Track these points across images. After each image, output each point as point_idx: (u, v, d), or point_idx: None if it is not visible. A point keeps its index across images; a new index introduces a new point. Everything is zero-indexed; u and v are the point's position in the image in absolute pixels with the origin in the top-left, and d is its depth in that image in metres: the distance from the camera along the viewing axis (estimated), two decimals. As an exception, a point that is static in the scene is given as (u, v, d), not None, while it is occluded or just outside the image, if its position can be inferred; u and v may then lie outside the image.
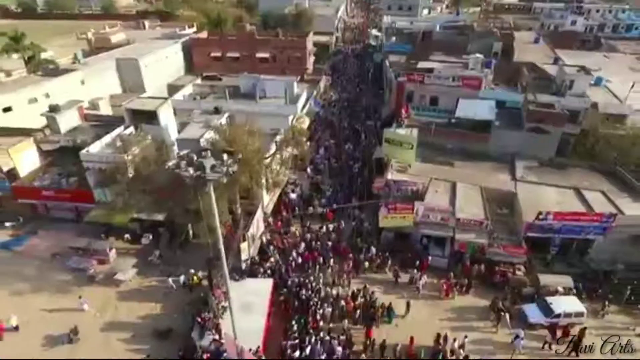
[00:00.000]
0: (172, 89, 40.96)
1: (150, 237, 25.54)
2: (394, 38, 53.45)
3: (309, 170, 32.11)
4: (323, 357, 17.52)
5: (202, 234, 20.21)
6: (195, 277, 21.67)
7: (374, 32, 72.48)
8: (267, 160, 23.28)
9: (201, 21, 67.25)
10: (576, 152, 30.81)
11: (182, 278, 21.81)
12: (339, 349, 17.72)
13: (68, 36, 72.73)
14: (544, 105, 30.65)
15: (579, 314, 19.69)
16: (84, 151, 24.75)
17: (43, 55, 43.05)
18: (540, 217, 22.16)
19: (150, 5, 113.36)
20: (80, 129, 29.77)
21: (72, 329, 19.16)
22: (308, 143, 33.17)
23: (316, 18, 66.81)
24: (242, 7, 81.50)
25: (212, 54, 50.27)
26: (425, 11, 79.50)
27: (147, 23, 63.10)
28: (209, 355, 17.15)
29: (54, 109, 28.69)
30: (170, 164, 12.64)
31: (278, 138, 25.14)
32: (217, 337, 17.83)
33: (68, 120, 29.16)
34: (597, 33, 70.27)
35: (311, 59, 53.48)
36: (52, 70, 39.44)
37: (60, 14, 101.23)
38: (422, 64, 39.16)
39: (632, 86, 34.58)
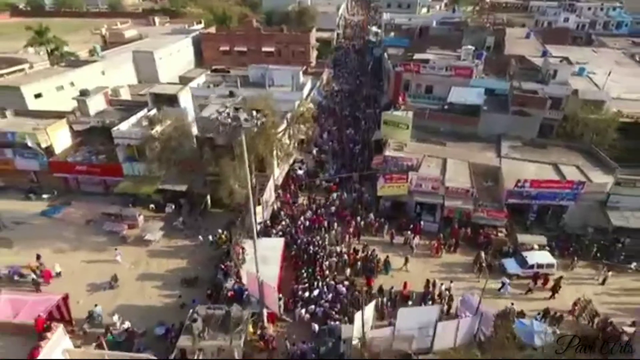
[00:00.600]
0: (184, 80, 44.12)
1: (173, 206, 28.74)
2: (392, 33, 56.75)
3: (314, 151, 35.39)
4: (329, 296, 20.74)
5: (225, 195, 23.48)
6: (222, 236, 24.75)
7: (374, 29, 75.74)
8: (280, 135, 26.51)
9: (207, 18, 70.72)
10: (558, 135, 34.04)
11: (210, 237, 24.97)
12: (343, 289, 20.96)
13: (80, 32, 76.02)
14: (527, 91, 33.97)
15: (550, 265, 22.92)
16: (115, 128, 27.95)
17: (64, 49, 46.25)
18: (519, 184, 25.42)
19: (155, 3, 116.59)
20: (106, 112, 33.00)
21: (112, 277, 22.41)
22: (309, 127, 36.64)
23: (318, 15, 70.14)
24: (246, 5, 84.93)
25: (221, 48, 53.54)
26: (424, 9, 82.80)
27: (157, 20, 66.34)
28: (232, 293, 20.33)
29: (84, 93, 31.96)
30: (213, 115, 15.74)
31: (288, 116, 28.32)
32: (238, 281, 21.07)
33: (96, 104, 32.40)
34: (589, 30, 73.62)
35: (314, 54, 56.75)
36: (74, 62, 42.71)
37: (68, 12, 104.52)
38: (418, 56, 42.43)
39: (609, 74, 37.76)
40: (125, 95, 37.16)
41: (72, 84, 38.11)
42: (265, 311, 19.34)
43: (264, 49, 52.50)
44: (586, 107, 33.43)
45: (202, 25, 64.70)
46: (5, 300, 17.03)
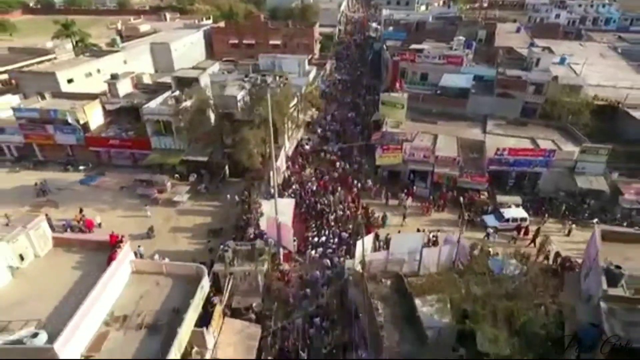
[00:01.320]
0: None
1: (195, 176, 32.83)
2: (391, 28, 60.92)
3: (318, 131, 39.54)
4: (335, 241, 24.85)
5: (245, 159, 27.61)
6: (245, 194, 28.77)
7: (374, 25, 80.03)
8: (291, 109, 30.64)
9: (214, 14, 75.00)
10: (541, 117, 38.12)
11: (235, 197, 29.07)
12: (346, 235, 25.07)
13: (92, 28, 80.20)
14: (511, 77, 38.12)
15: (523, 219, 26.99)
16: (145, 106, 32.09)
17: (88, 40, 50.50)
18: (498, 152, 29.53)
19: (161, 1, 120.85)
20: (133, 94, 37.14)
21: (149, 227, 26.53)
22: (316, 113, 40.91)
23: (320, 12, 74.30)
24: (250, 2, 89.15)
25: (230, 42, 57.71)
26: (423, 7, 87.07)
27: (168, 15, 70.57)
28: (254, 237, 24.40)
29: (114, 77, 36.14)
30: (247, 78, 19.83)
31: (298, 94, 32.44)
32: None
33: (124, 87, 36.55)
34: (579, 26, 77.84)
35: (317, 47, 60.89)
36: (97, 52, 46.88)
37: (77, 10, 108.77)
38: (414, 46, 46.61)
39: (585, 62, 41.93)
40: (147, 80, 41.30)
41: (98, 71, 42.25)
42: (281, 251, 23.44)
43: (271, 41, 56.61)
44: (565, 91, 37.61)
45: (211, 20, 68.89)
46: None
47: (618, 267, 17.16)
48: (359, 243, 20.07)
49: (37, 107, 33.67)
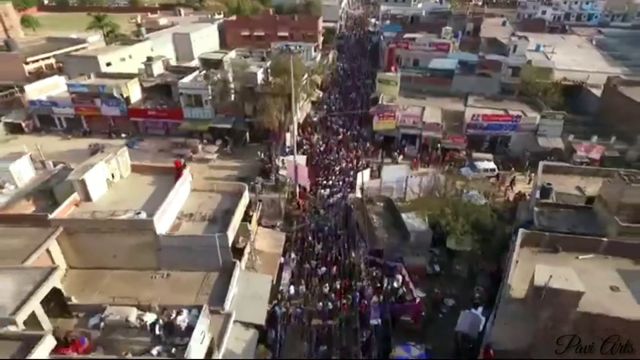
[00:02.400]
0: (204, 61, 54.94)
1: (220, 141, 39.39)
2: (388, 21, 67.71)
3: (324, 108, 46.22)
4: (340, 183, 31.48)
5: (267, 121, 34.20)
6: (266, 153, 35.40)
7: (373, 20, 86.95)
8: (304, 81, 37.29)
9: (223, 10, 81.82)
10: (518, 95, 44.76)
11: (259, 152, 35.67)
12: (350, 179, 31.71)
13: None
14: (489, 60, 44.82)
15: (492, 170, 33.59)
16: (180, 81, 38.69)
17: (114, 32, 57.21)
18: (474, 117, 36.17)
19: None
20: (164, 74, 43.73)
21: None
22: (321, 93, 47.70)
23: (323, 8, 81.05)
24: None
25: (242, 34, 64.37)
26: (420, 4, 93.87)
27: (182, 11, 77.32)
28: (276, 177, 30.94)
29: (149, 59, 42.80)
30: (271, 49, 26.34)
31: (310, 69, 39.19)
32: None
33: (157, 68, 43.15)
34: (564, 21, 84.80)
35: (321, 39, 67.59)
36: (127, 41, 53.53)
37: (90, 7, 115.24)
38: (407, 35, 53.34)
39: (553, 49, 48.76)
40: (173, 64, 47.90)
41: (130, 56, 48.88)
42: (297, 189, 30.02)
43: (279, 33, 63.27)
44: (537, 73, 44.33)
45: (222, 15, 75.67)
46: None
47: (549, 185, 23.86)
48: (359, 174, 26.71)
49: (87, 83, 40.22)
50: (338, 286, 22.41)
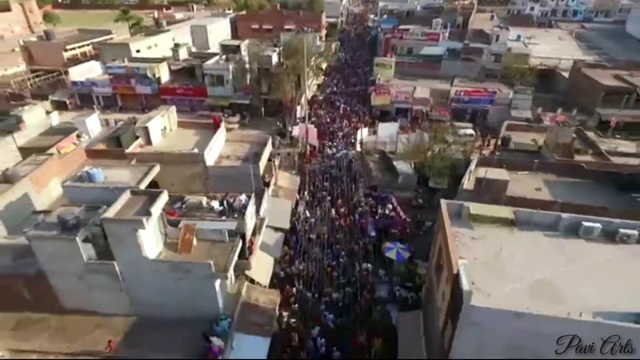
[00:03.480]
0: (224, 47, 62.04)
1: (239, 115, 46.28)
2: (385, 16, 74.87)
3: (327, 90, 53.22)
4: (343, 145, 38.42)
5: (280, 95, 41.08)
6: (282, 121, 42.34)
7: (372, 16, 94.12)
8: (312, 62, 44.25)
9: (232, 6, 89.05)
10: (500, 79, 51.75)
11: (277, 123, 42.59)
12: (352, 140, 38.65)
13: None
14: (473, 47, 51.83)
15: (471, 135, 40.48)
16: (206, 64, 45.60)
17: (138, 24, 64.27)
18: (457, 93, 43.12)
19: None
20: (188, 59, 50.67)
21: (216, 139, 39.94)
22: (325, 78, 54.72)
23: (325, 5, 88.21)
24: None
25: (252, 27, 71.40)
26: (416, 1, 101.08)
27: (195, 7, 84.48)
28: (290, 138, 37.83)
29: (177, 45, 49.74)
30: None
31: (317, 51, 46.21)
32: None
33: (183, 53, 50.10)
34: (551, 17, 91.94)
35: (324, 32, 74.65)
36: (151, 31, 60.53)
37: (103, 5, 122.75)
38: (402, 27, 60.40)
39: (530, 39, 55.84)
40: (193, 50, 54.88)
41: (155, 45, 55.84)
42: (308, 147, 36.89)
43: (286, 26, 70.14)
44: (515, 58, 51.29)
45: (231, 11, 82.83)
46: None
47: (509, 136, 30.80)
48: (358, 132, 33.61)
49: (123, 65, 47.17)
50: (342, 210, 29.29)
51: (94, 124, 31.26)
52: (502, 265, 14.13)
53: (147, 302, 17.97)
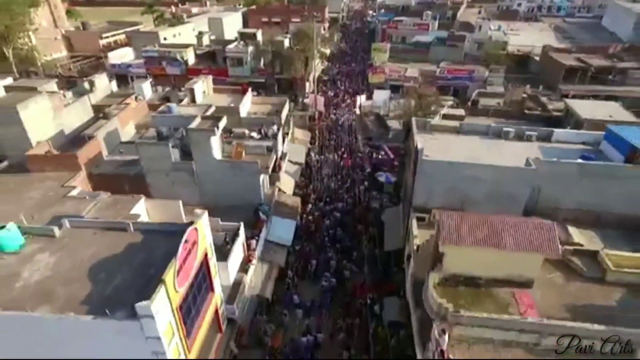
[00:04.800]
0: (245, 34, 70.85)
1: (256, 92, 54.96)
2: (382, 10, 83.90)
3: (330, 73, 62.13)
4: (345, 113, 47.22)
5: (292, 72, 49.87)
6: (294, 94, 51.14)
7: (371, 12, 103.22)
8: (318, 45, 53.04)
9: (242, 2, 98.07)
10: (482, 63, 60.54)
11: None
12: (354, 109, 47.46)
13: (135, 14, 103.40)
14: (456, 35, 60.71)
15: (453, 106, 49.19)
16: (228, 47, 54.38)
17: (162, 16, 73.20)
18: (441, 71, 51.91)
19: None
20: (210, 45, 59.47)
21: (239, 109, 48.77)
22: (328, 63, 63.58)
23: (328, 1, 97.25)
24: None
25: (262, 19, 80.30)
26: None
27: (208, 2, 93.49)
28: (302, 104, 46.56)
29: (200, 33, 58.59)
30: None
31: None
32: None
33: (206, 40, 58.93)
34: (537, 12, 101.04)
35: (327, 25, 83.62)
36: (173, 22, 69.41)
37: (116, 2, 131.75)
38: (397, 18, 69.35)
39: (512, 30, 64.80)
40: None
41: (179, 34, 64.74)
42: (316, 112, 45.61)
43: (292, 19, 79.16)
44: (495, 45, 60.12)
45: (241, 6, 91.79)
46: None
47: (477, 99, 39.52)
48: (358, 97, 42.33)
49: (156, 49, 55.97)
50: (345, 155, 38.05)
51: (147, 89, 39.97)
52: (447, 151, 22.73)
53: (212, 193, 26.56)
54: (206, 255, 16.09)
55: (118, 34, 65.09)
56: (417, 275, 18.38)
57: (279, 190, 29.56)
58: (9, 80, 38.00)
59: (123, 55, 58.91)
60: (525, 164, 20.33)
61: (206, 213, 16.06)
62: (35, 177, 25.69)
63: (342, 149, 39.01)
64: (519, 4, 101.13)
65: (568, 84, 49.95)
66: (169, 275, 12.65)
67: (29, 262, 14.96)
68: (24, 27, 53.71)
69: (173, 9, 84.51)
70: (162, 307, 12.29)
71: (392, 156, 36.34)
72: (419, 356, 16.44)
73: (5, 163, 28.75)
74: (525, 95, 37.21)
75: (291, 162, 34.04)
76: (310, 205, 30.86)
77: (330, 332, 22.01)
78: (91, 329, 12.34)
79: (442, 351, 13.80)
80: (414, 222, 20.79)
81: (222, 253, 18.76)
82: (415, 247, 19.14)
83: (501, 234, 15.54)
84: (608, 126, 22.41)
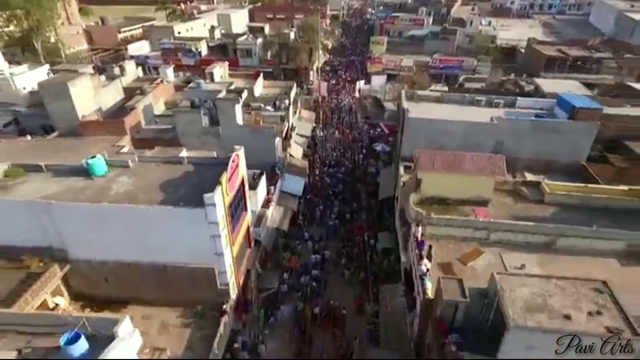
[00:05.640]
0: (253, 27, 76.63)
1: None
2: (381, 7, 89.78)
3: (331, 64, 67.95)
4: (346, 93, 52.93)
5: (299, 60, 55.57)
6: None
7: (370, 10, 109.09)
8: (322, 37, 58.79)
9: None
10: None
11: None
12: (355, 93, 53.25)
13: (147, 10, 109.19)
14: (449, 29, 66.50)
15: (445, 91, 54.86)
16: (238, 40, 60.12)
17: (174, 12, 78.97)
18: (434, 60, 57.63)
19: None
20: (221, 39, 65.18)
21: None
22: (329, 56, 69.37)
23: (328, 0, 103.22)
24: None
25: (267, 16, 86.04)
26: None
27: (215, 0, 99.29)
28: (307, 89, 52.28)
29: (212, 27, 64.33)
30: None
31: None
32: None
33: (217, 33, 64.68)
34: (529, 9, 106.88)
35: (328, 21, 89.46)
36: (185, 18, 75.14)
37: (125, 0, 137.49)
38: (394, 14, 75.17)
39: (503, 26, 70.55)
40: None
41: (191, 28, 70.48)
42: (320, 97, 51.29)
43: (296, 16, 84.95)
44: (484, 39, 65.91)
45: (247, 3, 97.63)
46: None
47: (464, 82, 45.22)
48: (357, 82, 48.03)
49: (172, 42, 61.68)
50: (346, 131, 43.77)
51: (170, 73, 45.66)
52: (430, 113, 28.30)
53: (235, 154, 32.10)
54: (242, 180, 21.70)
55: (135, 29, 70.79)
56: (403, 205, 23.97)
57: (290, 155, 35.16)
58: (46, 67, 43.66)
59: (140, 48, 64.62)
60: (490, 121, 25.98)
61: (242, 147, 21.67)
62: (89, 140, 31.25)
63: (343, 127, 44.62)
64: (512, 2, 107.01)
65: (548, 72, 55.62)
66: (223, 179, 18.26)
67: (114, 182, 20.55)
68: (52, 21, 59.36)
69: (182, 6, 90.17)
70: (219, 201, 17.86)
71: (387, 132, 41.95)
72: (402, 259, 22.01)
73: (55, 133, 34.33)
74: (504, 79, 42.83)
75: (299, 135, 39.62)
76: (316, 169, 36.51)
77: (334, 256, 27.69)
78: (171, 216, 17.93)
79: (417, 241, 19.37)
80: (402, 168, 26.39)
81: (251, 185, 24.35)
82: (401, 184, 24.76)
83: (462, 163, 21.17)
84: (558, 94, 28.05)
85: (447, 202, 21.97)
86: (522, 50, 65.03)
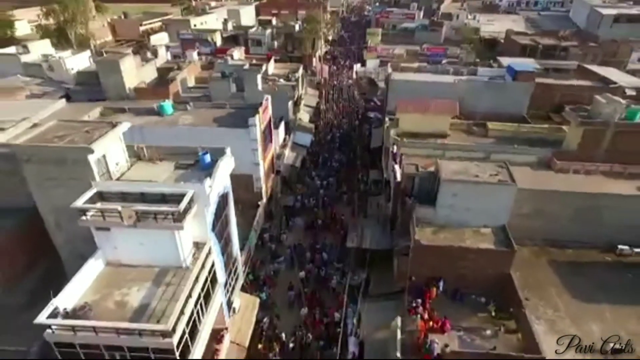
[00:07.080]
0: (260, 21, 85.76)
1: (272, 67, 69.81)
2: (377, 3, 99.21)
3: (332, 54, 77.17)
4: (346, 77, 62.10)
5: (303, 48, 64.75)
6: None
7: (367, 7, 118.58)
8: (323, 28, 67.97)
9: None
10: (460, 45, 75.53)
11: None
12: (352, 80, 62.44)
13: (157, 7, 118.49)
14: (438, 22, 75.78)
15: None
16: (250, 31, 69.25)
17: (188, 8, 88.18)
18: (422, 48, 66.82)
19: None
20: (233, 30, 74.33)
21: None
22: (330, 47, 78.61)
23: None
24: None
25: (272, 11, 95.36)
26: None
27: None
28: (311, 71, 61.44)
29: (225, 20, 73.50)
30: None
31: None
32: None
33: (229, 26, 73.84)
34: (516, 7, 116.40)
35: (328, 16, 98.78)
36: (198, 12, 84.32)
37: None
38: (388, 9, 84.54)
39: (489, 20, 79.89)
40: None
41: (205, 22, 79.70)
42: (322, 79, 60.36)
43: (299, 12, 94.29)
44: (469, 31, 75.17)
45: (252, 0, 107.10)
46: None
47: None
48: (354, 65, 57.17)
49: (191, 33, 70.80)
50: (344, 104, 52.88)
51: (195, 56, 54.78)
52: (408, 77, 37.26)
53: (256, 114, 41.12)
54: (269, 120, 30.71)
55: (154, 22, 79.87)
56: (387, 144, 32.93)
57: (299, 119, 44.20)
58: (88, 53, 52.63)
59: (161, 39, 73.74)
60: (453, 82, 35.09)
61: (269, 95, 30.78)
62: (139, 103, 40.27)
63: (342, 101, 53.70)
64: (500, 0, 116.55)
65: (522, 58, 64.69)
66: (260, 110, 27.27)
67: (179, 118, 29.53)
68: (85, 15, 68.50)
69: (194, 2, 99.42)
70: (257, 124, 26.81)
71: (379, 104, 50.99)
72: (384, 175, 30.94)
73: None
74: (477, 60, 51.91)
75: (306, 105, 48.65)
76: (320, 131, 45.69)
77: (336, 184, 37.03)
78: (224, 134, 26.88)
79: (393, 153, 28.31)
80: (387, 119, 35.40)
81: (275, 124, 33.43)
82: (386, 127, 33.79)
83: (428, 106, 30.19)
84: (508, 63, 37.13)
85: (417, 135, 30.96)
86: (502, 41, 74.29)
